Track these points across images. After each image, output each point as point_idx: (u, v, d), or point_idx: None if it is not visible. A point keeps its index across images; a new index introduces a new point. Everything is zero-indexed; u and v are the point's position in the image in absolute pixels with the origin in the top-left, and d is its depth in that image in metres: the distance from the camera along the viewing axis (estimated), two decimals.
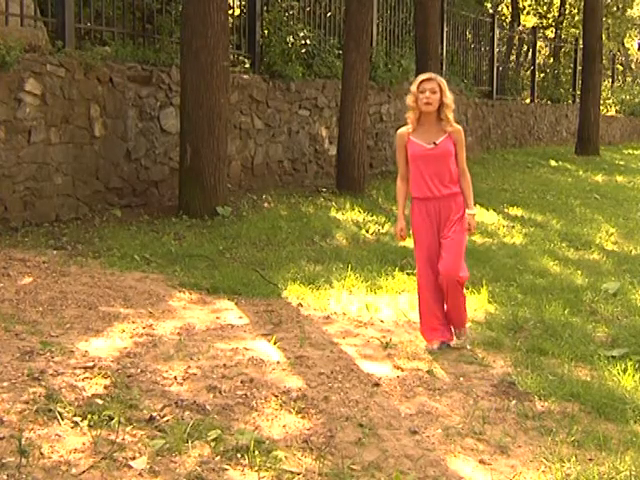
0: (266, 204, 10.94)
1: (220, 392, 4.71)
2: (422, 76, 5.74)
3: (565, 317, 6.69)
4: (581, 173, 17.75)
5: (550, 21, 30.73)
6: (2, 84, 8.21)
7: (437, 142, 5.66)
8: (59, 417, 4.14)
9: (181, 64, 9.99)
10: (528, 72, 25.19)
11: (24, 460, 3.68)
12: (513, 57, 26.82)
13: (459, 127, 5.79)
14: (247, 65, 12.38)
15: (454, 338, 5.91)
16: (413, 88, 5.66)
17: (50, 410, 4.21)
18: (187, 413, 4.37)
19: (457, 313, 5.87)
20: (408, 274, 7.68)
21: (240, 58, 12.42)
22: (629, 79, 34.35)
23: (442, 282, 5.70)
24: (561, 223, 11.13)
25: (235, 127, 11.55)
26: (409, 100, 5.69)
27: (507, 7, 29.88)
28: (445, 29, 18.77)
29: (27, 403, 4.27)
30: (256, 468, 3.86)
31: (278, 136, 12.58)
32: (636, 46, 39.51)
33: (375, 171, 14.51)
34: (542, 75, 25.91)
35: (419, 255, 5.84)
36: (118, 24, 10.68)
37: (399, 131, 5.85)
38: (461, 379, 5.27)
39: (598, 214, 12.11)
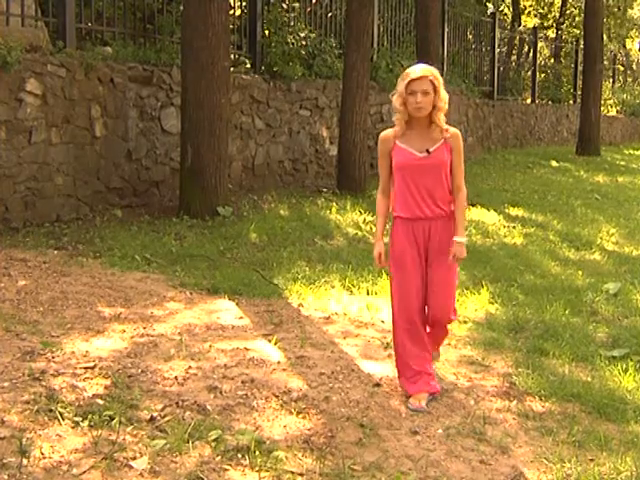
0: (267, 204, 10.94)
1: (221, 392, 4.71)
2: (411, 73, 4.67)
3: (566, 317, 6.68)
4: (582, 173, 17.75)
5: (551, 21, 30.73)
6: (3, 84, 8.22)
7: (431, 150, 4.71)
8: (60, 417, 4.15)
9: (182, 64, 9.99)
10: (529, 72, 25.17)
11: (25, 460, 3.69)
12: (514, 57, 26.81)
13: (457, 131, 4.88)
14: (248, 65, 12.39)
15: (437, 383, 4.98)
16: (400, 88, 4.68)
17: (51, 410, 4.21)
18: (188, 413, 4.38)
19: (436, 343, 5.27)
20: None
21: (241, 58, 12.42)
22: (630, 79, 34.36)
23: (429, 324, 4.99)
24: (562, 223, 11.12)
25: (236, 127, 11.55)
26: (396, 102, 4.71)
27: (508, 7, 29.87)
28: (446, 30, 18.76)
29: (28, 403, 4.28)
30: (257, 468, 3.86)
31: (279, 136, 12.58)
32: (637, 46, 39.48)
33: (376, 171, 14.41)
34: (543, 75, 25.91)
35: (399, 288, 4.87)
36: (119, 24, 10.68)
37: (383, 134, 4.87)
38: (462, 379, 5.27)
39: (599, 214, 12.10)
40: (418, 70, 4.70)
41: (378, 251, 4.87)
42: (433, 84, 4.66)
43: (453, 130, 4.85)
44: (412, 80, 4.65)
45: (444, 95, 4.72)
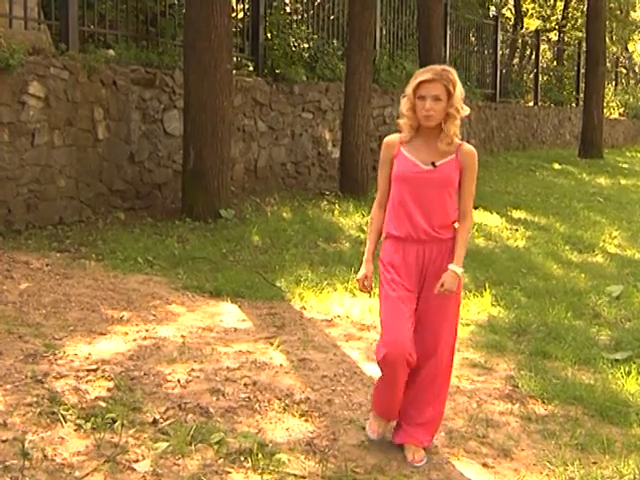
0: (269, 207, 10.94)
1: (223, 395, 4.71)
2: (422, 74, 4.02)
3: (568, 320, 6.68)
4: (584, 176, 17.74)
5: (553, 24, 30.73)
6: (6, 87, 8.22)
7: (437, 163, 4.05)
8: (62, 420, 4.15)
9: (184, 67, 9.99)
10: (531, 75, 25.18)
11: (27, 463, 3.69)
12: (516, 60, 26.81)
13: (473, 150, 4.19)
14: (250, 68, 12.39)
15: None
16: (409, 90, 4.06)
17: (53, 413, 4.22)
18: (190, 416, 4.38)
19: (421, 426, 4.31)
20: None
21: (243, 61, 12.43)
22: (632, 82, 34.36)
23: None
24: (564, 226, 11.12)
25: (238, 130, 11.55)
26: (403, 107, 4.10)
27: (510, 10, 29.88)
28: (448, 32, 18.76)
29: (30, 406, 4.28)
30: (259, 471, 3.86)
31: (281, 139, 12.58)
32: (639, 49, 39.48)
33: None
34: (545, 78, 25.89)
35: (391, 312, 4.06)
36: (121, 27, 10.68)
37: (388, 139, 4.24)
38: (464, 382, 5.27)
39: (601, 217, 12.10)
40: (430, 71, 4.02)
41: (364, 273, 4.22)
42: (447, 89, 3.98)
43: (469, 147, 4.18)
44: (422, 82, 3.98)
45: (460, 102, 4.06)
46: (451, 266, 4.06)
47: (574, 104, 26.38)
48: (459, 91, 4.05)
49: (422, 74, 4.04)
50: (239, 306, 6.70)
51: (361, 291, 4.33)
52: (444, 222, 4.10)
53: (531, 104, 24.31)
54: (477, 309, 6.87)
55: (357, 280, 4.28)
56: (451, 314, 4.17)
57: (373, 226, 4.31)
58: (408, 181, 4.10)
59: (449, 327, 4.17)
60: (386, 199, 4.22)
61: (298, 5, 13.89)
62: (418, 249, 4.08)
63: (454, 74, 4.03)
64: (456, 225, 4.17)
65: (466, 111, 4.09)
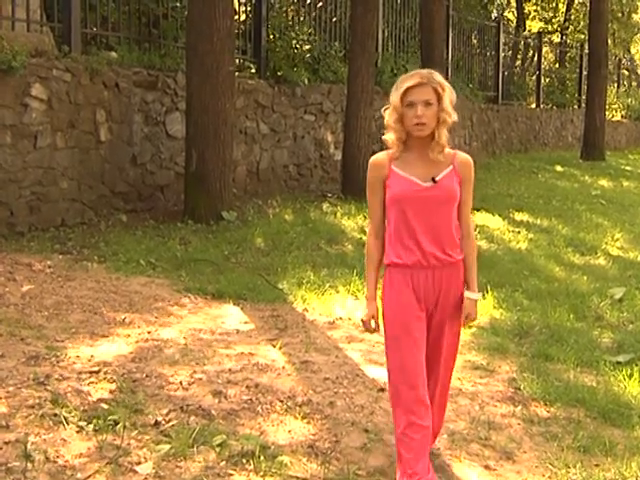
0: (271, 209, 10.94)
1: (225, 397, 4.71)
2: (409, 80, 3.63)
3: (571, 323, 6.68)
4: (587, 178, 17.73)
5: (555, 26, 30.71)
6: (8, 89, 8.23)
7: (437, 178, 3.67)
8: (64, 422, 4.15)
9: (187, 69, 10.00)
10: (533, 77, 25.18)
11: (29, 464, 3.69)
12: (518, 62, 26.80)
13: (468, 158, 3.81)
14: (253, 70, 12.41)
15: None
16: (395, 99, 3.64)
17: (55, 415, 4.22)
18: (192, 418, 4.38)
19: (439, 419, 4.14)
20: None
21: (246, 63, 12.45)
22: (634, 84, 34.33)
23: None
24: (567, 228, 11.11)
25: (241, 132, 11.55)
26: (389, 118, 3.68)
27: (512, 12, 29.88)
28: (450, 34, 18.76)
29: (32, 408, 4.28)
30: (261, 473, 3.86)
31: (283, 141, 12.59)
32: None
33: None
34: (547, 80, 25.89)
35: (398, 361, 3.73)
36: (124, 29, 10.69)
37: (374, 159, 3.79)
38: (466, 384, 5.27)
39: (604, 219, 12.09)
40: (416, 75, 3.65)
41: (371, 313, 3.85)
42: (437, 92, 3.61)
43: (465, 156, 3.80)
44: (409, 88, 3.60)
45: (449, 105, 3.67)
46: (469, 294, 3.81)
47: (576, 106, 26.36)
48: (449, 93, 3.68)
49: (408, 79, 3.64)
50: (241, 308, 6.70)
51: (368, 331, 3.96)
52: (452, 242, 3.75)
53: (533, 106, 24.31)
54: (479, 311, 6.84)
55: (362, 321, 3.91)
56: (458, 336, 3.96)
57: (371, 258, 3.86)
58: (409, 202, 3.67)
59: (456, 348, 3.96)
60: (382, 227, 3.80)
61: (300, 7, 13.89)
62: (427, 276, 3.71)
63: (440, 77, 3.68)
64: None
65: (455, 116, 3.69)
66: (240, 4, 12.84)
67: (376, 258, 3.85)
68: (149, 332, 5.83)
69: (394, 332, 3.73)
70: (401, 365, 3.69)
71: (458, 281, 3.80)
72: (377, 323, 3.85)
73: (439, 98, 3.63)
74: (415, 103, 3.59)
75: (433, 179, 3.67)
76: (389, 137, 3.72)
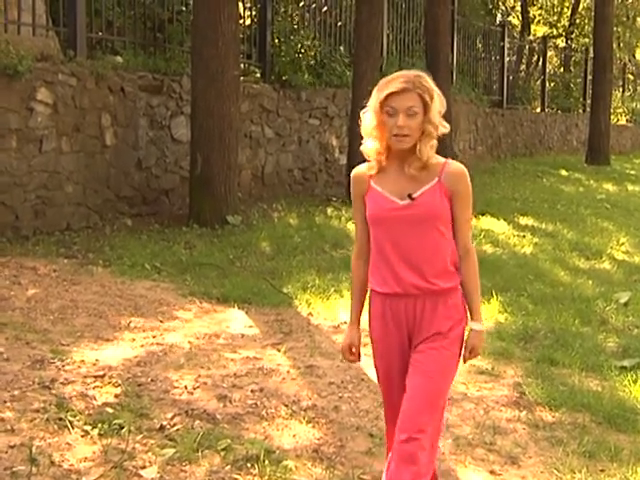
0: (276, 213, 10.94)
1: (230, 401, 4.71)
2: (391, 84, 3.12)
3: (576, 327, 6.66)
4: (592, 182, 17.71)
5: (560, 30, 30.70)
6: (14, 93, 8.25)
7: (415, 195, 3.16)
8: (69, 426, 4.15)
9: (192, 73, 10.02)
10: (538, 81, 25.17)
11: (35, 469, 3.69)
12: (523, 66, 26.81)
13: (461, 168, 3.26)
14: (257, 74, 12.42)
15: None
16: (374, 102, 3.17)
17: (61, 419, 4.22)
18: (197, 422, 4.38)
19: None
20: None
21: (251, 67, 12.46)
22: None
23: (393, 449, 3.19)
24: (572, 233, 11.09)
25: (245, 136, 11.56)
26: (368, 124, 3.21)
27: (517, 16, 29.87)
28: (455, 38, 18.76)
29: (38, 412, 4.29)
30: (266, 478, 3.86)
31: (288, 145, 12.59)
32: None
33: None
34: (552, 84, 25.88)
35: (383, 394, 3.50)
36: (129, 34, 10.72)
37: (356, 171, 3.34)
38: (471, 389, 5.26)
39: (609, 223, 12.07)
40: (400, 78, 3.13)
41: (348, 341, 3.45)
42: (423, 100, 3.11)
43: (456, 166, 3.25)
44: (391, 94, 3.11)
45: (437, 115, 3.17)
46: (473, 325, 3.32)
47: (581, 110, 26.35)
48: (437, 101, 3.15)
49: (391, 83, 3.14)
50: (246, 312, 6.70)
51: (348, 359, 3.51)
52: (439, 268, 3.22)
53: (538, 110, 24.30)
54: (484, 316, 6.83)
55: (341, 350, 3.51)
56: (443, 379, 3.25)
57: (355, 282, 3.46)
58: (382, 222, 3.22)
59: (438, 393, 3.22)
60: (367, 247, 3.35)
61: (305, 12, 13.90)
62: (407, 306, 3.23)
63: (429, 80, 3.16)
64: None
65: (446, 128, 3.19)
66: (245, 8, 12.86)
67: (359, 281, 3.43)
68: (154, 336, 5.83)
69: (375, 362, 3.42)
70: (382, 397, 3.52)
71: (448, 309, 3.24)
72: (357, 352, 3.46)
73: (425, 107, 3.11)
74: (396, 111, 3.10)
75: (410, 196, 3.16)
76: (367, 148, 3.24)
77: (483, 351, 5.88)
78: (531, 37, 27.35)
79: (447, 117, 3.24)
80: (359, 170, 3.32)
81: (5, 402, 4.36)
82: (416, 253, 3.19)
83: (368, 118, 3.20)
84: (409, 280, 3.20)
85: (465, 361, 3.38)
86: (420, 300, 3.22)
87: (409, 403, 3.17)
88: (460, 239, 3.30)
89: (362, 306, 3.46)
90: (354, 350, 3.45)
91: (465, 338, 3.33)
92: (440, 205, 3.19)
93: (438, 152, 3.22)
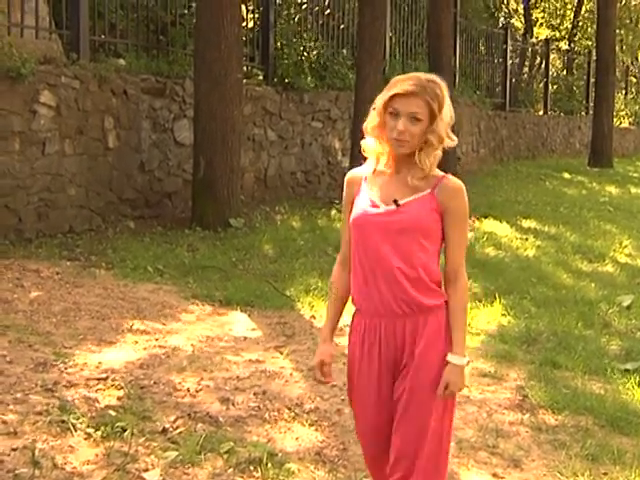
0: (279, 216, 10.94)
1: (233, 404, 4.71)
2: (400, 85, 2.91)
3: (579, 330, 6.66)
4: (594, 185, 17.71)
5: (563, 33, 30.69)
6: (17, 96, 8.26)
7: (401, 201, 2.93)
8: (72, 428, 4.15)
9: (195, 76, 10.02)
10: (541, 84, 25.16)
11: (37, 471, 3.70)
12: (526, 69, 26.78)
13: (458, 183, 3.00)
14: (260, 77, 12.42)
15: None
16: (378, 104, 2.98)
17: (63, 421, 4.22)
18: (200, 425, 4.38)
19: None
20: None
21: (253, 70, 12.46)
22: None
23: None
24: (574, 235, 11.09)
25: (248, 139, 11.56)
26: (368, 123, 3.03)
27: (520, 19, 29.87)
28: (458, 41, 18.75)
29: (40, 414, 4.29)
30: None
31: (291, 148, 12.60)
32: None
33: None
34: (555, 87, 25.87)
35: (357, 428, 3.20)
36: (132, 36, 10.72)
37: (351, 173, 3.17)
38: (474, 392, 5.25)
39: (612, 226, 12.07)
40: (411, 81, 2.91)
41: (319, 358, 3.17)
42: (430, 107, 2.88)
43: (451, 182, 2.98)
44: (397, 95, 2.90)
45: (446, 128, 2.94)
46: (451, 358, 2.93)
47: (584, 113, 26.34)
48: (447, 113, 2.93)
49: (399, 84, 2.93)
50: (249, 315, 6.70)
51: (319, 380, 3.22)
52: (423, 283, 2.93)
53: (541, 113, 24.29)
54: (487, 318, 6.85)
55: (311, 368, 3.20)
56: (435, 410, 2.95)
57: (333, 292, 3.18)
58: (362, 227, 2.97)
59: (437, 425, 2.96)
60: (350, 256, 3.08)
61: (308, 14, 13.92)
62: (387, 327, 2.96)
63: (443, 89, 2.93)
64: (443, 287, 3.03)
65: (454, 142, 2.97)
66: (248, 11, 12.87)
67: (338, 291, 3.16)
68: (157, 339, 5.83)
69: (348, 387, 3.17)
70: (357, 428, 3.19)
71: (434, 330, 2.94)
72: (328, 371, 3.16)
73: (432, 115, 2.89)
74: (399, 113, 2.90)
75: (395, 202, 2.92)
76: (366, 144, 3.06)
77: (486, 354, 5.91)
78: (534, 40, 27.33)
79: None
80: (354, 173, 3.14)
81: (8, 405, 4.36)
82: (394, 264, 2.90)
83: (372, 115, 3.01)
84: (387, 293, 2.92)
85: (439, 393, 2.93)
86: (399, 322, 2.93)
87: (403, 440, 2.95)
88: (450, 262, 3.00)
89: (338, 321, 3.18)
90: (325, 369, 3.14)
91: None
92: (427, 218, 2.92)
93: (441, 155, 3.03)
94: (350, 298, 3.12)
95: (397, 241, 2.91)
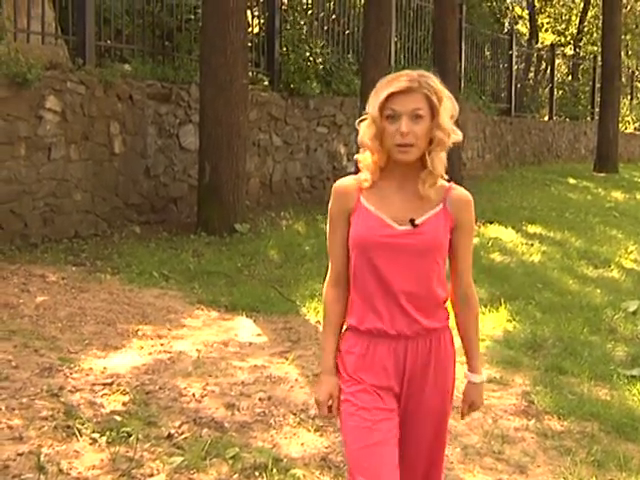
0: (284, 221, 10.95)
1: (238, 410, 4.71)
2: (393, 83, 2.65)
3: (584, 336, 6.65)
4: (600, 190, 17.69)
5: (569, 38, 30.72)
6: (23, 101, 8.28)
7: (418, 221, 2.69)
8: (78, 433, 4.15)
9: (200, 82, 10.04)
10: (546, 89, 25.17)
11: (43, 476, 3.70)
12: (531, 74, 26.81)
13: (466, 194, 2.79)
14: (266, 83, 12.43)
15: None
16: (373, 107, 2.67)
17: (69, 426, 4.22)
18: (205, 430, 4.38)
19: None
20: None
21: (259, 76, 12.46)
22: None
23: None
24: (580, 241, 11.08)
25: (254, 144, 11.58)
26: (364, 133, 2.73)
27: (525, 25, 29.89)
28: (463, 47, 18.78)
29: (46, 419, 4.29)
30: None
31: (296, 153, 12.61)
32: None
33: None
34: (560, 92, 25.88)
35: (355, 459, 2.68)
36: (138, 42, 10.75)
37: (339, 184, 2.84)
38: None
39: (617, 232, 12.05)
40: (404, 77, 2.66)
41: (327, 392, 2.82)
42: (430, 102, 2.64)
43: (460, 192, 2.77)
44: (393, 94, 2.63)
45: (449, 120, 2.69)
46: (473, 377, 2.89)
47: (589, 118, 26.34)
48: (448, 105, 2.69)
49: (392, 82, 2.66)
50: (254, 320, 6.70)
51: (324, 415, 2.90)
52: (434, 304, 2.76)
53: (546, 118, 24.30)
54: (492, 324, 6.85)
55: (317, 402, 2.86)
56: (445, 427, 2.89)
57: (329, 316, 2.85)
58: (372, 249, 2.69)
59: (438, 457, 2.89)
60: (345, 274, 2.80)
61: (313, 20, 13.93)
62: (397, 349, 2.73)
63: (436, 80, 2.69)
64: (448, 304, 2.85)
65: (459, 136, 2.72)
66: (253, 17, 12.89)
67: (336, 315, 2.83)
68: (162, 344, 5.83)
69: (349, 420, 2.75)
70: (355, 468, 2.68)
71: (438, 358, 2.77)
72: (337, 405, 2.81)
73: (434, 110, 2.64)
74: (399, 114, 2.63)
75: (412, 222, 2.68)
76: (363, 157, 2.78)
77: (491, 360, 5.90)
78: (539, 45, 27.37)
79: (455, 125, 2.80)
80: (344, 183, 2.81)
81: (13, 410, 4.37)
82: (411, 285, 2.69)
83: (366, 125, 2.72)
84: (403, 318, 2.70)
85: (463, 416, 3.00)
86: (411, 343, 2.72)
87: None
88: (461, 277, 2.83)
89: (337, 347, 2.84)
90: (334, 403, 2.81)
91: (462, 390, 2.92)
92: (444, 235, 2.72)
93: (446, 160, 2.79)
94: (347, 317, 2.83)
95: (413, 263, 2.68)
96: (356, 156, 2.83)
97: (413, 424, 2.77)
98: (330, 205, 2.81)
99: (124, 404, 4.62)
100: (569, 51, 29.60)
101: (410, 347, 2.72)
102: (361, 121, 2.76)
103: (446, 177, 2.75)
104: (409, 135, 2.61)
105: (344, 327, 2.83)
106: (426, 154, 2.66)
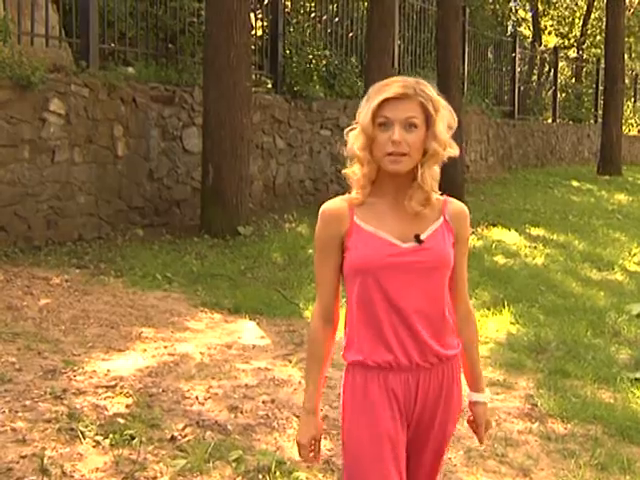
0: (288, 224, 10.95)
1: (242, 412, 4.71)
2: (386, 89, 2.49)
3: (588, 338, 6.64)
4: (603, 193, 17.67)
5: (572, 41, 30.71)
6: (27, 104, 8.29)
7: (423, 236, 2.50)
8: (81, 436, 4.15)
9: (204, 84, 10.05)
10: (550, 92, 25.16)
11: (46, 479, 3.70)
12: (535, 77, 26.78)
13: (462, 207, 2.62)
14: (269, 85, 12.46)
15: None
16: (364, 116, 2.53)
17: (72, 429, 4.22)
18: (209, 433, 4.37)
19: None
20: None
21: (262, 78, 12.49)
22: None
23: None
24: (583, 243, 11.07)
25: (257, 147, 11.58)
26: (354, 143, 2.58)
27: (528, 27, 29.88)
28: (466, 49, 18.77)
29: (49, 422, 4.29)
30: None
31: (300, 156, 12.61)
32: None
33: None
34: (564, 95, 25.86)
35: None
36: (141, 45, 10.77)
37: (328, 207, 2.63)
38: None
39: (621, 234, 12.04)
40: (399, 83, 2.51)
41: (309, 435, 2.63)
42: (425, 110, 2.47)
43: (457, 205, 2.61)
44: (387, 100, 2.47)
45: (443, 131, 2.50)
46: (480, 397, 2.78)
47: (593, 121, 26.32)
48: (445, 115, 2.52)
49: (385, 88, 2.50)
50: (257, 323, 6.70)
51: (305, 461, 2.78)
52: (447, 328, 2.58)
53: (549, 121, 24.28)
54: (496, 327, 6.84)
55: (299, 445, 2.64)
56: (447, 445, 2.75)
57: (315, 352, 2.67)
58: (381, 272, 2.48)
59: (442, 457, 2.75)
60: (335, 307, 2.68)
61: (317, 23, 13.95)
62: (409, 381, 2.53)
63: (432, 89, 2.53)
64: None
65: (455, 151, 2.53)
66: (257, 20, 12.90)
67: (323, 351, 2.65)
68: (165, 347, 5.84)
69: (358, 460, 2.58)
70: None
71: (448, 389, 2.60)
72: (319, 449, 2.67)
73: (429, 119, 2.47)
74: (392, 122, 2.45)
75: (417, 238, 2.49)
76: (352, 171, 2.60)
77: (494, 362, 5.90)
78: (542, 48, 27.35)
79: (458, 128, 2.69)
80: (334, 205, 2.59)
81: (17, 412, 4.37)
82: (421, 307, 2.50)
83: (355, 135, 2.56)
84: (416, 346, 2.50)
85: (482, 441, 2.90)
86: (423, 375, 2.53)
87: None
88: (463, 295, 2.67)
89: (322, 386, 2.71)
90: (317, 446, 2.65)
91: (471, 413, 2.82)
92: (449, 250, 2.54)
93: (448, 164, 2.65)
94: (344, 352, 2.64)
95: (423, 282, 2.49)
96: (344, 171, 2.62)
97: (418, 450, 2.63)
98: (318, 231, 2.63)
99: (127, 407, 4.62)
100: (572, 54, 29.59)
101: (422, 379, 2.53)
102: (350, 130, 2.60)
103: (439, 192, 2.56)
104: (402, 144, 2.43)
105: (345, 364, 2.64)
106: (418, 166, 2.47)
